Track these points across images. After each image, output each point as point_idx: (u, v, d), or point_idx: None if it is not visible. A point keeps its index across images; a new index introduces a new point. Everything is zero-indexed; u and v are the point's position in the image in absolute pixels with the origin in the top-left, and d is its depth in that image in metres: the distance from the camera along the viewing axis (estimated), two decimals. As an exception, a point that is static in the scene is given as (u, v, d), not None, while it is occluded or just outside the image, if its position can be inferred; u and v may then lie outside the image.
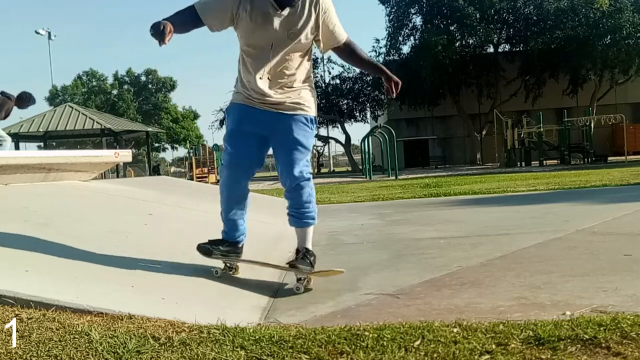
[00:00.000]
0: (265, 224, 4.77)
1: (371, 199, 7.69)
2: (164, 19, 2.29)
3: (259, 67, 2.43)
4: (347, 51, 2.63)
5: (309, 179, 2.53)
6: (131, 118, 42.51)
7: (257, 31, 2.39)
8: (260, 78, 2.44)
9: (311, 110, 2.55)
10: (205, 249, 2.63)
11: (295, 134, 2.48)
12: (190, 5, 2.42)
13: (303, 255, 2.55)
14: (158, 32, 2.20)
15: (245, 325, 1.85)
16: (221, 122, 34.87)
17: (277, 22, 2.37)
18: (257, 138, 2.53)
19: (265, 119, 2.49)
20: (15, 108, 7.33)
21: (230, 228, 2.65)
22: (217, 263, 2.68)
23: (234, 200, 2.60)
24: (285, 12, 2.37)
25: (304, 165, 2.50)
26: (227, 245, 2.65)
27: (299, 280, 2.53)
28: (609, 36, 24.78)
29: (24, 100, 7.23)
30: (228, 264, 2.68)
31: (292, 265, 2.53)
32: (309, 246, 2.60)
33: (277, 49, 2.41)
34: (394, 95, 2.65)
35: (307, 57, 2.53)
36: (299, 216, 2.55)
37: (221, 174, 2.60)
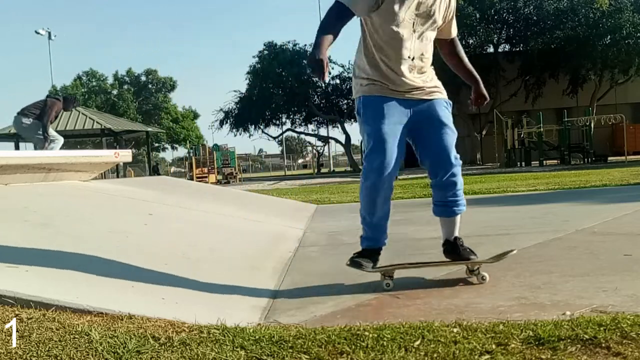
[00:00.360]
0: (266, 224, 4.77)
1: (371, 199, 7.67)
2: (318, 37, 2.22)
3: (401, 52, 2.34)
4: (452, 47, 2.63)
5: (460, 164, 2.47)
6: (131, 118, 42.49)
7: (401, 13, 2.30)
8: (403, 64, 2.35)
9: (445, 93, 2.50)
10: (358, 263, 2.47)
11: (443, 119, 2.41)
12: (335, 3, 2.30)
13: (462, 245, 2.50)
14: (319, 69, 2.15)
15: (245, 325, 1.85)
16: (221, 122, 34.89)
17: (418, 3, 2.32)
18: (402, 131, 2.38)
19: (410, 108, 2.38)
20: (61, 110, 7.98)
21: (377, 233, 2.50)
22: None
23: (383, 204, 2.43)
24: None
25: (455, 150, 2.44)
26: (374, 253, 2.51)
27: (472, 272, 2.45)
28: (609, 36, 24.77)
29: (70, 101, 7.90)
30: (388, 275, 2.45)
31: (464, 258, 2.47)
32: (458, 235, 2.54)
33: (418, 32, 2.36)
34: (474, 107, 2.62)
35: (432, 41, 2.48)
36: (452, 204, 2.48)
37: (368, 178, 2.37)
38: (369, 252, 2.50)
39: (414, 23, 2.33)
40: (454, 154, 2.42)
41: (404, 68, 2.36)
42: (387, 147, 2.33)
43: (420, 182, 11.98)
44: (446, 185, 2.45)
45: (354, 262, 2.48)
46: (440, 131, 2.40)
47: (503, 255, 2.53)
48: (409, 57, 2.36)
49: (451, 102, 2.49)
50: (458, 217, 2.53)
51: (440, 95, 2.46)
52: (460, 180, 2.46)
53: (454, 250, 2.52)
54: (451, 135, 2.43)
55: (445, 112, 2.43)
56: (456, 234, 2.53)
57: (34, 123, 7.25)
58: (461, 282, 2.46)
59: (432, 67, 2.49)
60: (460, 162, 2.46)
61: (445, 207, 2.50)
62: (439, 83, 2.48)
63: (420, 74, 2.41)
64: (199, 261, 2.88)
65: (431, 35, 2.43)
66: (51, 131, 7.46)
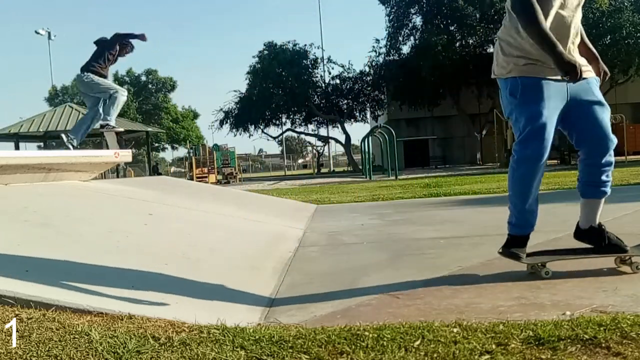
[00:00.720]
0: (266, 224, 4.77)
1: (371, 199, 7.68)
2: (547, 36, 2.16)
3: (569, 30, 2.30)
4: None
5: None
6: (131, 118, 42.48)
7: None
8: (572, 42, 2.32)
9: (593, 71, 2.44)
10: (514, 254, 2.42)
11: (599, 97, 2.36)
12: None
13: (608, 232, 2.43)
14: (575, 72, 2.12)
15: (245, 325, 1.85)
16: (221, 122, 34.89)
17: None
18: (558, 114, 2.34)
19: (568, 88, 2.32)
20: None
21: (529, 219, 2.43)
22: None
23: (535, 189, 2.38)
24: None
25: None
26: (524, 241, 2.45)
27: (624, 261, 2.41)
28: (609, 36, 24.77)
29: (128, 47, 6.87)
30: (542, 263, 2.41)
31: (619, 249, 2.39)
32: None
33: (579, 9, 2.35)
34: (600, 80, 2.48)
35: None
36: (606, 184, 2.40)
37: (521, 165, 2.32)
38: (519, 239, 2.44)
39: (579, 3, 2.32)
40: (610, 131, 2.37)
41: (572, 47, 2.31)
42: (545, 133, 2.28)
43: (420, 182, 11.99)
44: (607, 164, 2.38)
45: (511, 253, 2.42)
46: (600, 111, 2.35)
47: None
48: (572, 35, 2.31)
49: (599, 79, 2.45)
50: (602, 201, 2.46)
51: (591, 74, 2.40)
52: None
53: (600, 236, 2.43)
54: (607, 114, 2.38)
55: (598, 90, 2.38)
56: (598, 219, 2.46)
57: (96, 74, 6.41)
58: (461, 282, 2.46)
59: None
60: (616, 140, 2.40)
61: (597, 188, 2.41)
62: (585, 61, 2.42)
63: (574, 52, 2.35)
64: (199, 261, 2.88)
65: (580, 12, 2.37)
66: (108, 82, 6.64)
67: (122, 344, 1.62)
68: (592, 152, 2.39)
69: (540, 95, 2.27)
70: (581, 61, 2.34)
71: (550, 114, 2.29)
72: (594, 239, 2.47)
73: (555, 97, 2.29)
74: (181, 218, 4.36)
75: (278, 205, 6.80)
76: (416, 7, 28.95)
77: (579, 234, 2.54)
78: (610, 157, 2.38)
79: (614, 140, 2.38)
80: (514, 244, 2.44)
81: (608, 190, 2.43)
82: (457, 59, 26.97)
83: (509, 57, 2.35)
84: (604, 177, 2.40)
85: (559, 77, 2.26)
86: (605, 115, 2.36)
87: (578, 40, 2.39)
